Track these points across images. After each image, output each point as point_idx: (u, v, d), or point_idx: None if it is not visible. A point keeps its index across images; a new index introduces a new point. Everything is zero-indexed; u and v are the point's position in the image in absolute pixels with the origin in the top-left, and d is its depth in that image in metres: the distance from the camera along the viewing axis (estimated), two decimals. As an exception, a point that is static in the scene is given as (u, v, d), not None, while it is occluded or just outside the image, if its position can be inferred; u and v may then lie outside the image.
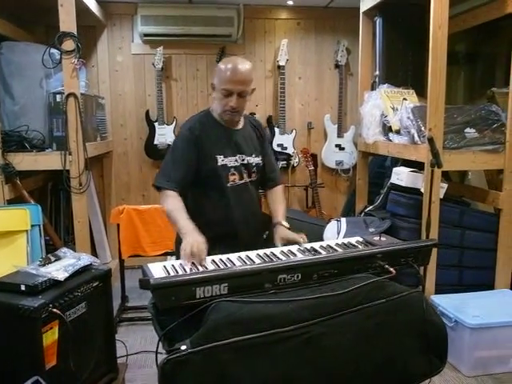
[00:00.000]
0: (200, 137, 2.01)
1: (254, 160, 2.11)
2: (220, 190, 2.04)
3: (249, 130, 2.16)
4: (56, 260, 2.11)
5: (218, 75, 1.96)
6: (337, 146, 4.40)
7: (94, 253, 4.19)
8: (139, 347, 2.89)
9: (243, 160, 2.08)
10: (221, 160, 2.03)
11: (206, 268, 1.61)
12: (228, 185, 2.04)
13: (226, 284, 1.41)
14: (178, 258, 1.89)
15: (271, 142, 4.27)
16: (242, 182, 2.08)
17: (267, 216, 4.20)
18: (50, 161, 3.10)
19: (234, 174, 2.06)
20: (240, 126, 2.13)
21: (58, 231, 3.88)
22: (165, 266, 1.57)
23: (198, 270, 1.58)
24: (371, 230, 3.04)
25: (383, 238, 1.90)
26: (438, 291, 2.95)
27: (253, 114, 4.24)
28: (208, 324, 1.33)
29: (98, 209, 4.23)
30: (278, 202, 2.21)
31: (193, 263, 1.64)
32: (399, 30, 3.73)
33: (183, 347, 1.29)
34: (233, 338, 1.32)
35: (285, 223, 2.07)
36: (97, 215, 4.20)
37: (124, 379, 2.38)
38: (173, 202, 1.92)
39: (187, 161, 1.99)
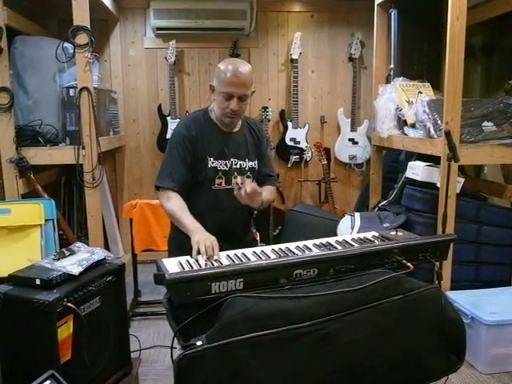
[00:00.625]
0: (195, 136, 1.99)
1: (248, 164, 2.08)
2: (204, 192, 2.03)
3: (245, 132, 2.12)
4: (70, 254, 2.11)
5: (218, 77, 1.93)
6: (350, 140, 4.35)
7: (106, 247, 4.20)
8: (152, 342, 2.89)
9: (236, 164, 2.05)
10: (211, 162, 2.01)
11: (220, 263, 1.60)
12: (213, 187, 2.02)
13: (242, 279, 1.39)
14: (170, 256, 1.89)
15: (283, 137, 4.24)
16: (229, 187, 2.04)
17: (279, 211, 4.20)
18: (63, 155, 3.11)
19: (220, 178, 2.03)
20: (237, 128, 2.09)
21: (71, 225, 3.90)
22: (179, 261, 1.56)
23: (212, 265, 1.57)
24: (386, 225, 3.01)
25: (400, 233, 1.88)
26: (454, 287, 2.90)
27: (265, 107, 4.22)
28: (223, 320, 1.32)
29: (111, 203, 4.24)
30: (264, 189, 2.10)
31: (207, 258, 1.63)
32: (414, 23, 3.67)
33: (199, 343, 1.28)
34: (248, 333, 1.30)
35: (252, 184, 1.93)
36: (109, 210, 4.21)
37: (137, 374, 2.39)
38: (175, 203, 1.92)
39: (185, 160, 1.98)
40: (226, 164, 2.03)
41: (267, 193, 2.10)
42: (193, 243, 1.72)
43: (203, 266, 1.53)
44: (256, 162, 2.12)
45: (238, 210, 2.07)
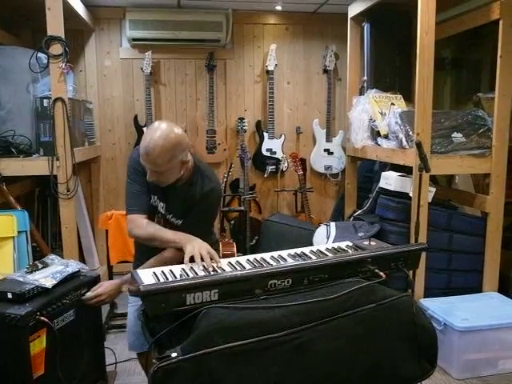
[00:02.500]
0: (143, 169, 1.89)
1: (171, 219, 1.99)
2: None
3: (185, 189, 1.94)
4: (43, 267, 2.08)
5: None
6: (325, 150, 4.41)
7: (81, 259, 4.14)
8: (128, 354, 2.83)
9: (165, 213, 1.99)
10: (153, 200, 1.98)
11: (223, 269, 1.63)
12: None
13: (217, 290, 1.40)
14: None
15: (260, 147, 4.28)
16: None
17: (256, 221, 4.21)
18: (37, 166, 3.06)
19: (159, 218, 2.00)
20: (178, 182, 1.93)
21: (45, 237, 3.83)
22: (154, 272, 1.55)
23: (188, 275, 1.57)
24: (360, 234, 3.06)
25: (373, 243, 1.91)
26: (428, 295, 2.96)
27: (241, 118, 4.25)
28: (198, 331, 1.32)
29: (86, 215, 4.19)
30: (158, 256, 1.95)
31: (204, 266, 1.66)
32: (387, 36, 3.77)
33: (174, 354, 1.28)
34: (223, 344, 1.31)
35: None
36: (85, 221, 4.15)
37: (113, 387, 2.36)
38: (151, 226, 1.89)
39: (144, 189, 1.94)
40: (163, 208, 1.98)
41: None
42: (187, 251, 1.71)
43: (178, 277, 1.53)
44: (180, 222, 1.98)
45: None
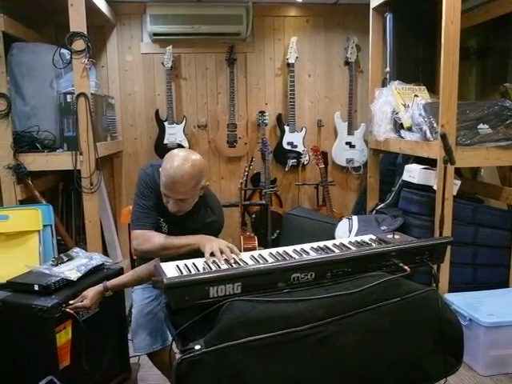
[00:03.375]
0: (154, 184, 1.91)
1: None
2: None
3: (188, 217, 1.91)
4: (68, 260, 2.12)
5: (161, 174, 1.80)
6: (347, 143, 4.37)
7: (104, 252, 4.20)
8: (151, 347, 2.88)
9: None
10: (160, 222, 1.96)
11: (246, 262, 1.63)
12: None
13: (240, 283, 1.39)
14: None
15: (281, 141, 4.26)
16: None
17: (277, 214, 4.20)
18: (60, 161, 3.11)
19: None
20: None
21: (69, 231, 3.89)
22: (177, 266, 1.56)
23: (210, 268, 1.57)
24: (383, 227, 3.02)
25: (397, 236, 1.88)
26: (452, 289, 2.92)
27: (262, 112, 4.23)
28: (221, 324, 1.32)
29: (109, 209, 4.24)
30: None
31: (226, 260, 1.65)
32: (410, 26, 3.70)
33: (197, 347, 1.29)
34: (246, 337, 1.31)
35: None
36: (108, 215, 4.21)
37: (137, 379, 2.39)
38: (159, 236, 1.86)
39: (153, 208, 1.91)
40: (165, 230, 1.97)
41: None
42: (207, 249, 1.69)
43: (201, 270, 1.53)
44: None
45: None
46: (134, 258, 3.28)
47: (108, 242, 4.25)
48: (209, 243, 1.74)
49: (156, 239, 1.84)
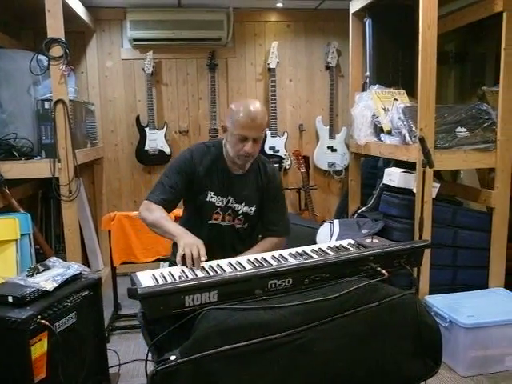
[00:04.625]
0: (196, 166, 1.99)
1: (243, 209, 2.05)
2: (200, 224, 2.03)
3: (251, 176, 2.07)
4: (45, 270, 2.08)
5: (232, 118, 1.90)
6: (329, 147, 4.39)
7: (85, 260, 4.15)
8: (132, 356, 2.85)
9: (232, 204, 2.03)
10: (210, 196, 2.01)
11: (206, 271, 1.61)
12: (209, 222, 2.02)
13: (216, 291, 1.38)
14: (172, 262, 1.86)
15: (263, 145, 4.25)
16: (225, 224, 2.04)
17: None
18: (39, 168, 3.06)
19: (218, 214, 2.03)
20: (243, 170, 2.05)
21: (49, 239, 3.84)
22: (153, 275, 1.54)
23: (187, 277, 1.56)
24: (364, 231, 3.03)
25: (375, 240, 1.89)
26: (432, 291, 2.93)
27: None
28: (197, 333, 1.31)
29: (90, 216, 4.20)
30: (256, 246, 2.06)
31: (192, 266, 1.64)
32: (389, 31, 3.72)
33: (172, 357, 1.27)
34: (223, 346, 1.29)
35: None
36: (88, 222, 4.16)
37: (117, 389, 2.35)
38: (159, 212, 1.91)
39: (175, 188, 1.97)
40: (223, 201, 2.02)
41: (256, 249, 2.02)
42: (179, 248, 1.71)
43: (177, 279, 1.52)
44: (253, 209, 2.06)
45: (232, 248, 2.05)
46: (115, 265, 3.26)
47: (89, 249, 4.20)
48: (182, 242, 1.72)
49: (153, 214, 1.90)
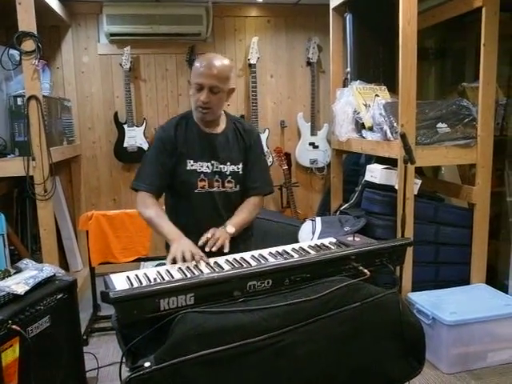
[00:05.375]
0: (172, 138, 1.96)
1: (229, 168, 2.00)
2: (187, 196, 1.97)
3: (229, 134, 2.04)
4: (16, 272, 2.00)
5: (193, 70, 1.92)
6: (311, 144, 4.35)
7: (64, 260, 4.06)
8: (112, 358, 2.78)
9: (216, 167, 1.99)
10: (190, 165, 1.96)
11: (201, 271, 1.57)
12: (195, 191, 1.96)
13: (193, 294, 1.33)
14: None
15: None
16: (213, 189, 1.98)
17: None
18: (12, 167, 2.97)
19: (203, 181, 1.97)
20: (220, 129, 2.03)
21: (24, 240, 3.73)
22: (128, 277, 1.48)
23: (163, 279, 1.50)
24: (346, 228, 3.00)
25: (357, 238, 1.86)
26: (416, 288, 2.92)
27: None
28: (173, 338, 1.25)
29: (68, 215, 4.10)
30: (239, 211, 2.01)
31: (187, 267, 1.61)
32: (369, 26, 3.70)
33: (147, 364, 1.21)
34: (200, 351, 1.24)
35: (228, 228, 1.88)
36: (66, 222, 4.06)
37: (94, 394, 2.29)
38: (154, 209, 1.89)
39: (160, 164, 1.95)
40: (207, 166, 1.97)
41: (242, 215, 1.99)
42: (171, 251, 1.69)
43: (152, 281, 1.45)
44: (240, 167, 2.02)
45: (227, 212, 2.00)
46: (93, 266, 3.18)
47: (67, 249, 4.11)
48: (175, 246, 1.71)
49: (149, 211, 1.90)
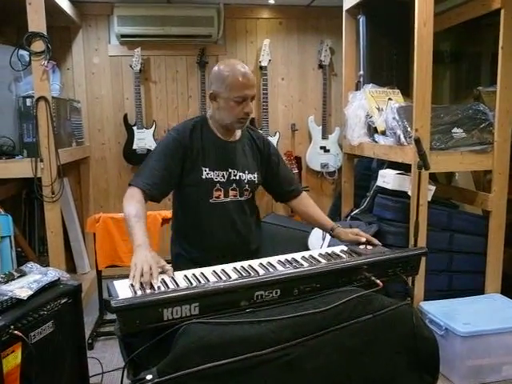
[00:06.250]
0: (187, 144, 1.87)
1: (247, 177, 1.96)
2: (202, 206, 1.90)
3: (245, 143, 2.00)
4: (20, 276, 1.96)
5: (225, 83, 1.80)
6: (322, 148, 4.29)
7: (71, 263, 4.04)
8: (117, 363, 2.74)
9: (235, 175, 1.93)
10: (206, 173, 1.88)
11: (154, 289, 1.41)
12: (211, 201, 1.90)
13: (197, 304, 1.28)
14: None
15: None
16: (228, 199, 1.93)
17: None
18: (20, 168, 2.94)
19: (219, 190, 1.91)
20: (236, 137, 1.98)
21: (32, 242, 3.72)
22: (132, 284, 1.43)
23: (167, 287, 1.45)
24: (357, 235, 2.93)
25: (369, 247, 1.80)
26: (428, 297, 2.84)
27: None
28: (176, 350, 1.21)
29: (76, 217, 4.08)
30: (313, 207, 2.16)
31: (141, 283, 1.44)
32: (383, 29, 3.63)
33: (149, 377, 1.17)
34: (204, 364, 1.19)
35: (339, 225, 2.01)
36: (74, 224, 4.04)
37: (98, 400, 2.25)
38: (136, 208, 1.71)
39: (164, 168, 1.84)
40: (223, 175, 1.91)
41: (320, 211, 2.19)
42: (131, 267, 1.51)
43: (157, 290, 1.40)
44: (256, 176, 1.98)
45: (240, 223, 1.97)
46: (99, 269, 3.14)
47: (75, 251, 4.09)
48: (135, 256, 1.54)
49: (130, 208, 1.71)
